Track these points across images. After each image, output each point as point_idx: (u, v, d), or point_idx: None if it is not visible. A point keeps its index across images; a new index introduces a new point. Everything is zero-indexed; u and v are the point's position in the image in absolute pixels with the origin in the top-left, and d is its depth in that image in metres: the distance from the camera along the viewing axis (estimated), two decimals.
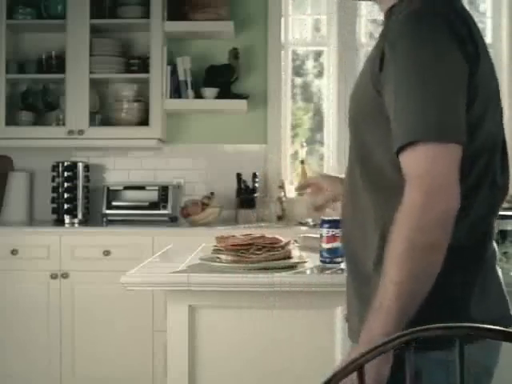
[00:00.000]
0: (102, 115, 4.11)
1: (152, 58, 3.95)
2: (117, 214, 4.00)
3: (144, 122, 4.01)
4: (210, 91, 4.04)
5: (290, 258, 2.00)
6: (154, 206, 3.99)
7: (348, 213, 1.46)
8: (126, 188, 4.07)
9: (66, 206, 3.98)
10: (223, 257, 1.94)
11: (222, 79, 4.08)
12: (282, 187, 4.13)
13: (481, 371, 1.30)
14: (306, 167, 4.29)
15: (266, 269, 1.89)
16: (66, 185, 3.99)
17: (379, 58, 1.28)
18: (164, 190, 4.01)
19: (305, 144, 4.38)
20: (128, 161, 4.27)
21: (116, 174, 4.26)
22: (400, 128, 1.22)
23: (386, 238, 1.23)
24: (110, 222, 3.98)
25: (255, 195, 4.06)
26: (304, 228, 3.69)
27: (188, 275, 1.84)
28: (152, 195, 4.01)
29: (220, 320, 1.92)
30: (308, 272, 1.94)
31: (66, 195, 3.98)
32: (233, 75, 4.12)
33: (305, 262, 2.02)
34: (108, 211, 4.00)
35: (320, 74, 4.48)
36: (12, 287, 3.64)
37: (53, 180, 4.02)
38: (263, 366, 1.92)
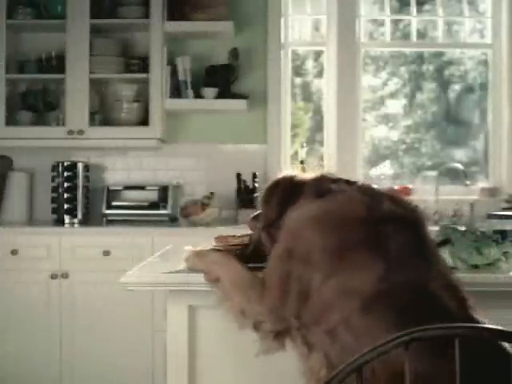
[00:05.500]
0: (102, 115, 4.11)
1: (152, 58, 3.95)
2: (117, 214, 4.00)
3: (144, 121, 4.01)
4: (209, 91, 4.04)
5: None
6: (153, 206, 3.98)
7: None
8: (126, 188, 4.06)
9: (65, 206, 3.98)
10: None
11: (221, 79, 4.08)
12: None
13: None
14: (306, 167, 4.30)
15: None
16: (65, 185, 3.99)
17: None
18: (164, 190, 4.01)
19: (305, 144, 4.38)
20: (128, 161, 4.27)
21: (116, 174, 4.26)
22: None
23: None
24: (110, 222, 3.98)
25: (255, 195, 4.06)
26: None
27: (188, 275, 1.84)
28: (152, 195, 4.00)
29: (220, 320, 1.92)
30: None
31: (65, 195, 3.98)
32: (233, 75, 4.12)
33: None
34: (108, 211, 4.00)
35: (320, 74, 4.49)
36: (12, 287, 3.64)
37: (53, 180, 4.02)
38: (263, 366, 1.92)
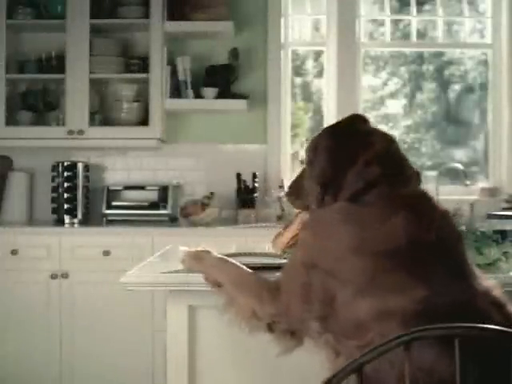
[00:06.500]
0: (102, 115, 4.11)
1: (152, 58, 3.95)
2: (117, 214, 4.00)
3: (144, 121, 4.01)
4: (209, 91, 4.04)
5: None
6: (153, 206, 3.98)
7: None
8: (126, 188, 4.06)
9: (65, 206, 3.98)
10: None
11: (221, 79, 4.08)
12: (281, 187, 4.13)
13: None
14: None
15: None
16: (65, 185, 3.99)
17: None
18: (164, 190, 4.01)
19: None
20: (128, 161, 4.27)
21: (116, 174, 4.26)
22: None
23: None
24: (110, 222, 3.98)
25: (255, 195, 4.06)
26: None
27: (188, 275, 1.84)
28: (152, 195, 4.01)
29: (220, 320, 1.92)
30: None
31: (65, 195, 3.98)
32: (233, 75, 4.12)
33: None
34: (108, 211, 4.00)
35: (320, 74, 4.49)
36: (12, 287, 3.64)
37: (53, 180, 4.02)
38: (263, 367, 1.92)
